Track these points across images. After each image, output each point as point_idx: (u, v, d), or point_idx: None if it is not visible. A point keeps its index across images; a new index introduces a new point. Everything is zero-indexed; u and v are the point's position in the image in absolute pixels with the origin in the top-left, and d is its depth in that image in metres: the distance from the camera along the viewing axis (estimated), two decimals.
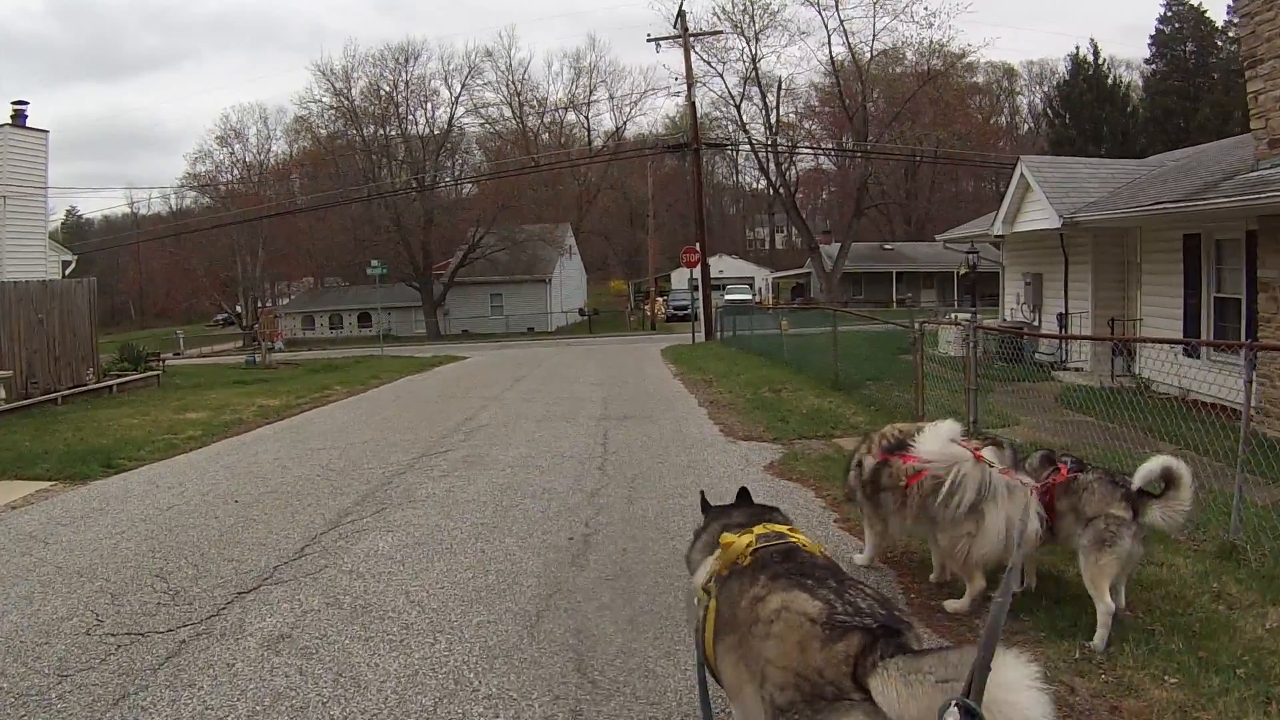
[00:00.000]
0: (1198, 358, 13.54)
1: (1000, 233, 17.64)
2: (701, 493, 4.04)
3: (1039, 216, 16.46)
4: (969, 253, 17.58)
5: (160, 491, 9.29)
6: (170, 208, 74.85)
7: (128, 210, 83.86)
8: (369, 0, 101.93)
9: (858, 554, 5.88)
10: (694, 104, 34.26)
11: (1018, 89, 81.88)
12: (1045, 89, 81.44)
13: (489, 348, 42.85)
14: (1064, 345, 17.93)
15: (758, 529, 3.09)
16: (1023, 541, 4.29)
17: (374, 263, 38.94)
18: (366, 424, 14.13)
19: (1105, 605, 4.39)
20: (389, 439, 12.19)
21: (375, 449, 11.40)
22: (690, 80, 34.37)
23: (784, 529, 3.17)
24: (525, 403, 15.74)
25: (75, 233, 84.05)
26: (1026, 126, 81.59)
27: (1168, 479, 4.42)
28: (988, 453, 4.82)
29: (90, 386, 20.59)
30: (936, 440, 4.80)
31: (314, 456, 11.06)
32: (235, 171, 66.40)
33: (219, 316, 64.01)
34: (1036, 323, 19.51)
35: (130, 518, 8.11)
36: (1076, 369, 17.40)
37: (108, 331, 78.49)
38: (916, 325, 11.15)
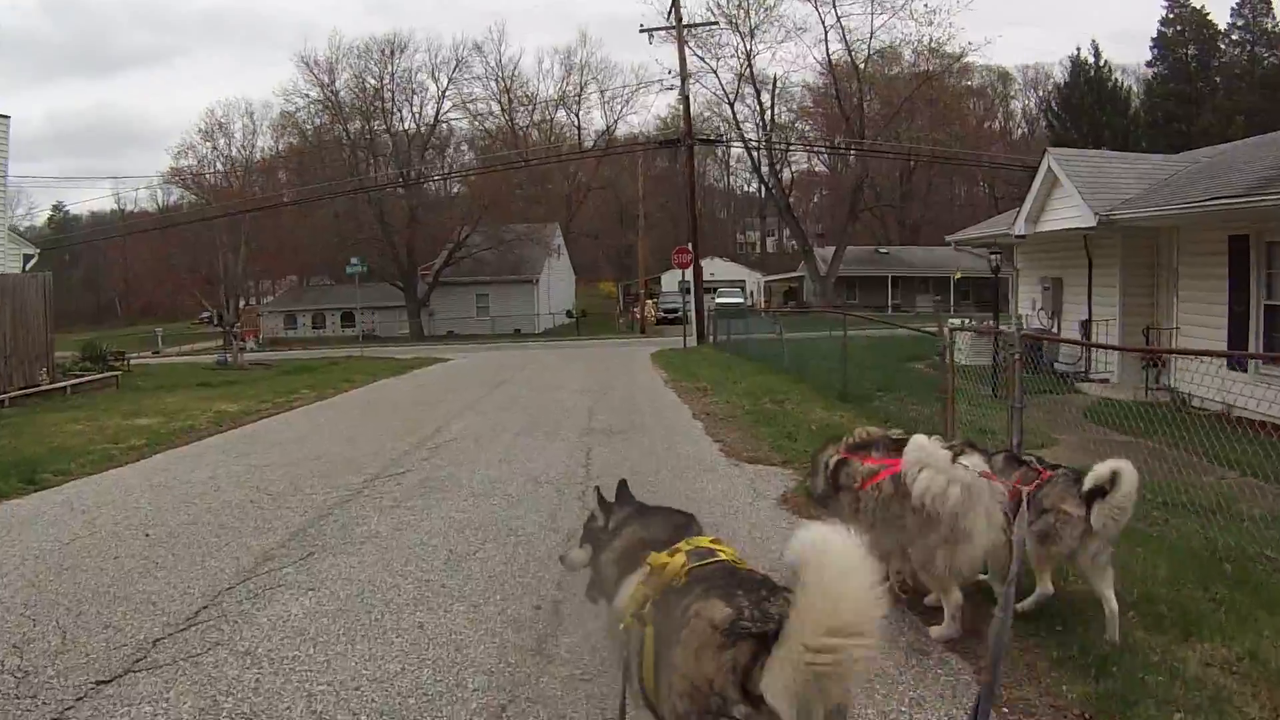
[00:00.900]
0: (1244, 370, 12.29)
1: (1022, 232, 16.24)
2: (622, 482, 3.69)
3: (1068, 214, 15.07)
4: (992, 253, 16.09)
5: (72, 517, 7.86)
6: (157, 203, 73.29)
7: (115, 206, 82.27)
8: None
9: None
10: (688, 97, 32.92)
11: (1012, 93, 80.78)
12: (1040, 93, 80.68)
13: (473, 349, 41.38)
14: (1087, 355, 16.58)
15: (684, 545, 2.87)
16: (1015, 550, 3.96)
17: (352, 260, 37.41)
18: (325, 435, 12.69)
19: (1043, 589, 4.70)
20: (345, 454, 10.75)
21: (326, 467, 9.95)
22: (684, 73, 33.00)
23: (708, 542, 2.95)
24: (503, 412, 14.30)
25: (61, 228, 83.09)
26: (1020, 131, 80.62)
27: (1113, 480, 4.43)
28: (965, 457, 4.61)
29: (43, 388, 19.16)
30: (917, 449, 4.58)
31: (255, 475, 9.60)
32: (219, 166, 64.89)
33: (204, 314, 62.50)
34: (1055, 330, 18.15)
35: (21, 553, 6.69)
36: (1102, 380, 16.06)
37: (92, 328, 77.44)
38: (947, 330, 9.70)
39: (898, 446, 4.83)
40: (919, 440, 4.63)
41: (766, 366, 19.69)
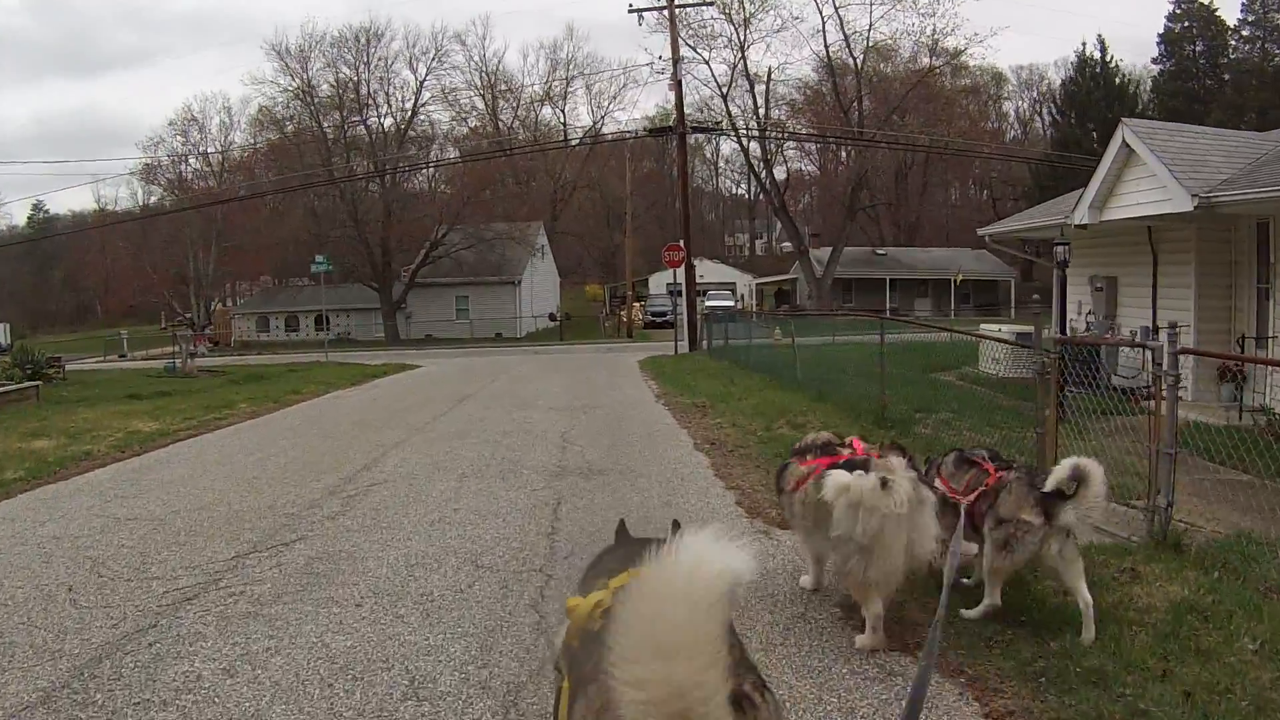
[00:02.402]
0: None
1: (1085, 220, 13.54)
2: (620, 523, 3.07)
3: (1147, 198, 12.40)
4: (1056, 243, 13.35)
5: None
6: (136, 202, 70.02)
7: (95, 205, 79.05)
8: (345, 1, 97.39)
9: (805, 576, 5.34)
10: (680, 82, 30.16)
11: (1005, 94, 78.39)
12: (1036, 93, 78.84)
13: (449, 355, 38.66)
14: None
15: (615, 581, 2.22)
16: (921, 556, 4.28)
17: (318, 258, 34.62)
18: (228, 472, 9.93)
19: (991, 600, 4.60)
20: (234, 505, 8.01)
21: (199, 526, 7.25)
22: (676, 55, 30.30)
23: None
24: (456, 439, 11.54)
25: (42, 227, 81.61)
26: (1012, 134, 78.47)
27: (1078, 479, 4.37)
28: (892, 460, 4.41)
29: None
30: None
31: (105, 538, 6.96)
32: (190, 161, 61.84)
33: (179, 316, 59.64)
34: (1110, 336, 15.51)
35: None
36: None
37: (70, 330, 74.82)
38: (1055, 338, 7.27)
39: (829, 448, 4.95)
40: (837, 479, 4.38)
41: (773, 379, 16.96)
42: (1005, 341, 11.69)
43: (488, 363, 30.49)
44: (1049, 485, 4.43)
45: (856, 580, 4.38)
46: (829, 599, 5.10)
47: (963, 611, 4.62)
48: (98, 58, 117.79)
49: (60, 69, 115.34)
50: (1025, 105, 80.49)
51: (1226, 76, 62.42)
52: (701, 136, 69.53)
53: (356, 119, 55.04)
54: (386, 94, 55.27)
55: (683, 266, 28.84)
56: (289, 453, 11.01)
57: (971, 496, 4.70)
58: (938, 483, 4.94)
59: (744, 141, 52.64)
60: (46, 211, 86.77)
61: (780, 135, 51.78)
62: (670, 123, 34.60)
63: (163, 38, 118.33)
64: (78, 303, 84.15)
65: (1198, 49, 63.75)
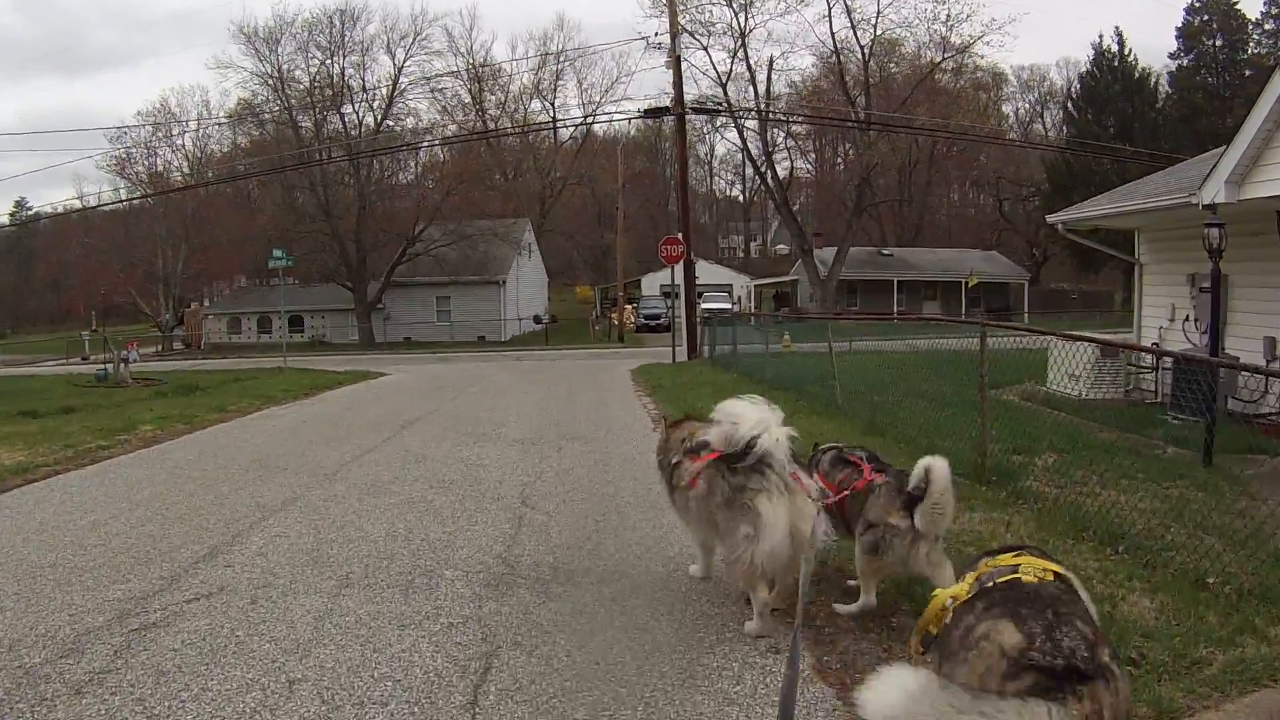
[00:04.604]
0: None
1: (1220, 199, 10.22)
2: None
3: None
4: (1208, 225, 10.01)
5: None
6: (121, 198, 66.43)
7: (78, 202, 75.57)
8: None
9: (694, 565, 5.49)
10: (678, 58, 26.80)
11: (1005, 96, 75.43)
12: (1035, 95, 76.19)
13: (424, 360, 35.35)
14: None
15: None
16: (804, 550, 4.26)
17: (276, 252, 31.14)
18: (35, 550, 6.63)
19: (866, 599, 4.72)
20: None
21: None
22: (674, 29, 26.99)
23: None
24: (370, 496, 8.14)
25: (23, 225, 78.22)
26: (1012, 136, 75.52)
27: (926, 479, 4.42)
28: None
29: None
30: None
31: None
32: (161, 153, 58.25)
33: (157, 318, 56.23)
34: (1213, 348, 12.25)
35: None
36: None
37: (50, 330, 71.57)
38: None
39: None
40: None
41: (800, 398, 13.60)
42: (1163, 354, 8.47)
43: (461, 371, 27.12)
44: (910, 484, 4.53)
45: (745, 567, 4.45)
46: None
47: (836, 606, 4.81)
48: (84, 56, 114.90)
49: (47, 67, 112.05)
50: (1025, 107, 77.69)
51: (1248, 72, 59.86)
52: (695, 136, 66.73)
53: (330, 109, 51.40)
54: (362, 80, 51.59)
55: (681, 263, 25.50)
56: (128, 516, 7.66)
57: (833, 498, 4.81)
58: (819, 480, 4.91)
59: (744, 132, 49.50)
60: (30, 209, 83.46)
61: (785, 118, 48.57)
62: (657, 129, 31.33)
63: (148, 37, 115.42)
64: (59, 302, 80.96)
65: (1217, 43, 61.11)
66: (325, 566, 5.88)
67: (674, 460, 5.23)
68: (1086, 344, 13.16)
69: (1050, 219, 15.24)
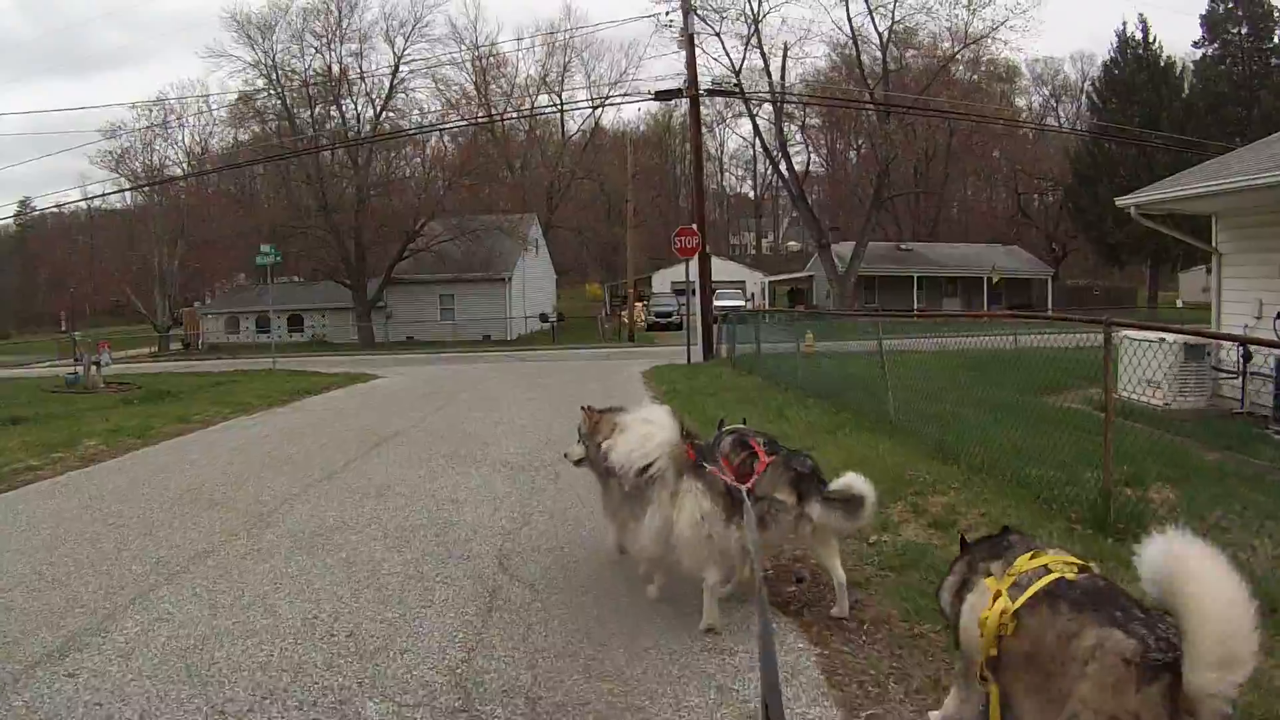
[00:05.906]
0: None
1: None
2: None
3: None
4: None
5: None
6: (124, 200, 64.94)
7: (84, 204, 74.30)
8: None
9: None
10: (691, 36, 24.94)
11: (1018, 89, 73.47)
12: (1050, 89, 74.37)
13: (423, 361, 33.63)
14: None
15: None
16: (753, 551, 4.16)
17: (264, 248, 29.39)
18: None
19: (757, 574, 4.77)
20: None
21: None
22: (687, 6, 25.18)
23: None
24: (303, 553, 6.18)
25: (28, 226, 77.81)
26: (1024, 131, 73.72)
27: (854, 497, 4.58)
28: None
29: None
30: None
31: None
32: (157, 148, 56.52)
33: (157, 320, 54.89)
34: None
35: None
36: None
37: (53, 331, 70.27)
38: None
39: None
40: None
41: (840, 409, 11.77)
42: None
43: (459, 373, 25.30)
44: (832, 486, 4.71)
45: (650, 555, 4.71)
46: None
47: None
48: (87, 56, 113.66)
49: (52, 69, 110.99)
50: (1039, 101, 75.77)
51: (1274, 61, 58.01)
52: (706, 132, 64.50)
53: (328, 100, 49.48)
54: (360, 69, 49.53)
55: (695, 256, 23.62)
56: (35, 558, 5.92)
57: (750, 483, 4.70)
58: (721, 463, 4.92)
59: (757, 122, 47.76)
60: (34, 210, 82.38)
61: (800, 100, 46.69)
62: (667, 123, 29.51)
63: (150, 38, 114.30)
64: (61, 302, 79.96)
65: (1243, 31, 59.21)
66: (201, 685, 4.02)
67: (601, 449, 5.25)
68: (1169, 343, 11.38)
69: (1121, 201, 13.33)
